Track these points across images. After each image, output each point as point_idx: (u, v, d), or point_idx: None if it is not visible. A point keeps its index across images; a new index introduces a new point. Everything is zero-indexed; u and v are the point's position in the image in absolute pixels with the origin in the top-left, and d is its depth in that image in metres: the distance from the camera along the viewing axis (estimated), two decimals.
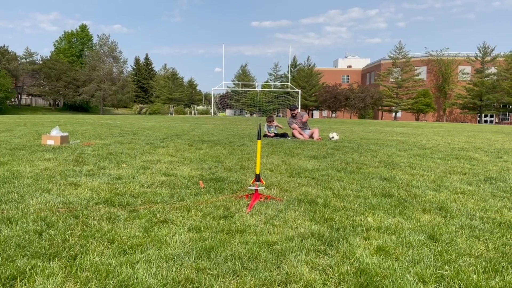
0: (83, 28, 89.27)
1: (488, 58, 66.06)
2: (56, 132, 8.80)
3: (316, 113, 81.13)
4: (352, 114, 74.73)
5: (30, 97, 76.75)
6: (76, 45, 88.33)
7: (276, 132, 12.37)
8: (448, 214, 3.69)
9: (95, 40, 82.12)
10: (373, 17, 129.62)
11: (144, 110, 78.37)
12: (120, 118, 32.08)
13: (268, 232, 3.07)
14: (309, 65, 79.31)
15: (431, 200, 4.25)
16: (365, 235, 3.04)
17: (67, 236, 2.84)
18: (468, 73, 69.61)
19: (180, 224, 3.22)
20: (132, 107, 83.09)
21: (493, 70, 65.55)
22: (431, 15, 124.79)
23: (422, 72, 71.76)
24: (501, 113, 67.84)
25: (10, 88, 63.65)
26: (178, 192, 4.33)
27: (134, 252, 2.60)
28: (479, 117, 68.15)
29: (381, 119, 69.45)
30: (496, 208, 3.95)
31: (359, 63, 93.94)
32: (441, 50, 71.62)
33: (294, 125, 12.17)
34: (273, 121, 12.58)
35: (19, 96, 72.42)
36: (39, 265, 2.34)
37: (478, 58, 66.83)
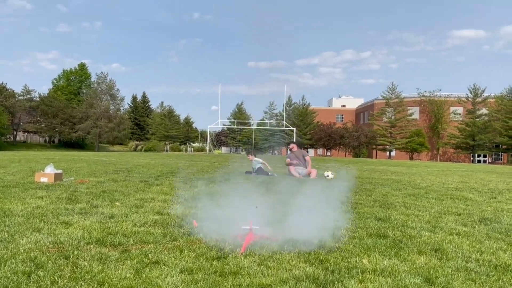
0: (82, 66, 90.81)
1: (479, 99, 67.48)
2: (50, 170, 8.76)
3: (311, 151, 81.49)
4: (346, 153, 75.16)
5: (26, 133, 76.84)
6: (74, 83, 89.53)
7: (262, 167, 12.20)
8: (444, 256, 3.65)
9: (94, 78, 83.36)
10: (366, 59, 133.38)
11: (139, 147, 78.43)
12: (115, 155, 32.01)
13: (262, 274, 3.02)
14: (304, 104, 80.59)
15: (427, 241, 4.22)
16: (360, 277, 3.00)
17: (56, 278, 2.78)
18: (460, 114, 70.85)
19: (172, 265, 3.16)
20: (128, 144, 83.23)
21: (484, 111, 66.76)
22: (422, 57, 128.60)
23: (415, 112, 72.97)
24: (493, 153, 68.52)
25: (6, 125, 63.84)
26: (171, 231, 4.28)
27: None
28: (472, 156, 68.71)
29: (376, 157, 69.83)
30: (491, 250, 3.92)
31: (353, 103, 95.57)
32: (433, 91, 73.36)
33: (288, 160, 12.16)
34: (252, 155, 12.53)
35: (15, 132, 72.49)
36: None
37: (469, 99, 68.23)
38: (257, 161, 12.35)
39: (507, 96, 64.45)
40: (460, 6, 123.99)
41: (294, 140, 13.49)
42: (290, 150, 12.44)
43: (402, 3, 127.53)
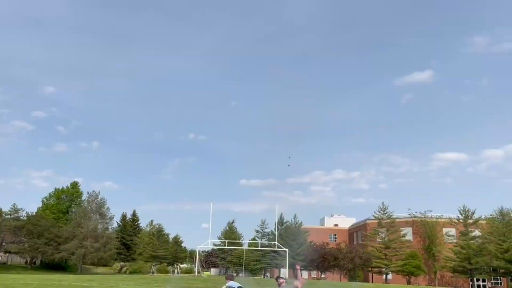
0: (74, 185, 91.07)
1: (470, 221, 67.06)
2: None
3: (304, 273, 78.06)
4: (341, 276, 72.07)
5: (7, 254, 73.45)
6: (65, 201, 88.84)
7: None
8: None
9: (85, 196, 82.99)
10: (355, 179, 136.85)
11: (124, 269, 74.68)
12: (99, 278, 30.40)
13: None
14: (296, 223, 79.62)
15: None
16: None
17: None
18: (453, 235, 69.87)
19: None
20: (113, 265, 79.36)
21: (477, 233, 65.92)
22: (410, 178, 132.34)
23: (408, 233, 72.05)
24: (492, 277, 66.03)
25: None
26: None
27: None
28: (471, 281, 66.00)
29: (372, 281, 66.92)
30: None
31: (345, 222, 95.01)
32: (424, 211, 73.48)
33: None
34: (228, 279, 12.49)
35: None
36: None
37: (461, 221, 67.84)
38: (234, 283, 12.29)
39: (498, 218, 64.40)
40: (442, 131, 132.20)
41: (278, 276, 13.57)
42: (279, 285, 12.31)
43: (387, 127, 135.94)
